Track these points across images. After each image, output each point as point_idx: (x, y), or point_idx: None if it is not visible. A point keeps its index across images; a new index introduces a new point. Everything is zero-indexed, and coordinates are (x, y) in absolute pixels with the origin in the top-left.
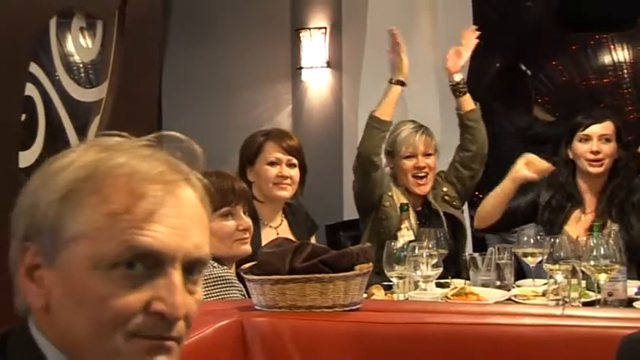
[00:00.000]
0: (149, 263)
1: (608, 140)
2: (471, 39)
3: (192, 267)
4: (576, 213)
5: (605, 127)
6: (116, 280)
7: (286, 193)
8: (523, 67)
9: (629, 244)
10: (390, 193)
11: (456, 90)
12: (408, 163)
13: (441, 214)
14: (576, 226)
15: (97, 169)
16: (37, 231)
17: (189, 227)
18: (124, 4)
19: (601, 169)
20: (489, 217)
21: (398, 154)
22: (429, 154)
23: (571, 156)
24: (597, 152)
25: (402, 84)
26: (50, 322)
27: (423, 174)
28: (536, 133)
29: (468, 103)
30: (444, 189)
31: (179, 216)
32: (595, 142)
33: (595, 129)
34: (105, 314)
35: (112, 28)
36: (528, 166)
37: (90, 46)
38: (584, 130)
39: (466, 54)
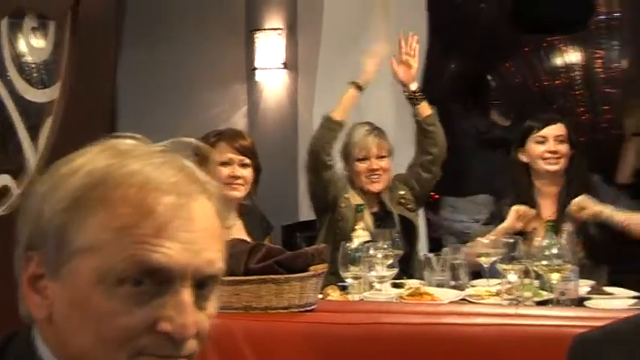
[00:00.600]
0: (158, 280)
1: (562, 141)
2: (413, 46)
3: (203, 282)
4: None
5: (559, 129)
6: (122, 296)
7: (238, 193)
8: (489, 77)
9: (590, 244)
10: (346, 195)
11: (413, 99)
12: (362, 166)
13: (395, 216)
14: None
15: (107, 175)
16: (42, 240)
17: (202, 242)
18: (77, 4)
19: (558, 167)
20: None
21: (351, 156)
22: (383, 157)
23: (524, 159)
24: (555, 152)
25: (360, 88)
26: (52, 333)
27: (376, 176)
28: (492, 136)
29: (426, 109)
30: (401, 192)
31: (192, 230)
32: (552, 143)
33: (551, 130)
34: (109, 332)
35: (65, 28)
36: (520, 219)
37: (42, 46)
38: (539, 131)
39: (415, 62)
